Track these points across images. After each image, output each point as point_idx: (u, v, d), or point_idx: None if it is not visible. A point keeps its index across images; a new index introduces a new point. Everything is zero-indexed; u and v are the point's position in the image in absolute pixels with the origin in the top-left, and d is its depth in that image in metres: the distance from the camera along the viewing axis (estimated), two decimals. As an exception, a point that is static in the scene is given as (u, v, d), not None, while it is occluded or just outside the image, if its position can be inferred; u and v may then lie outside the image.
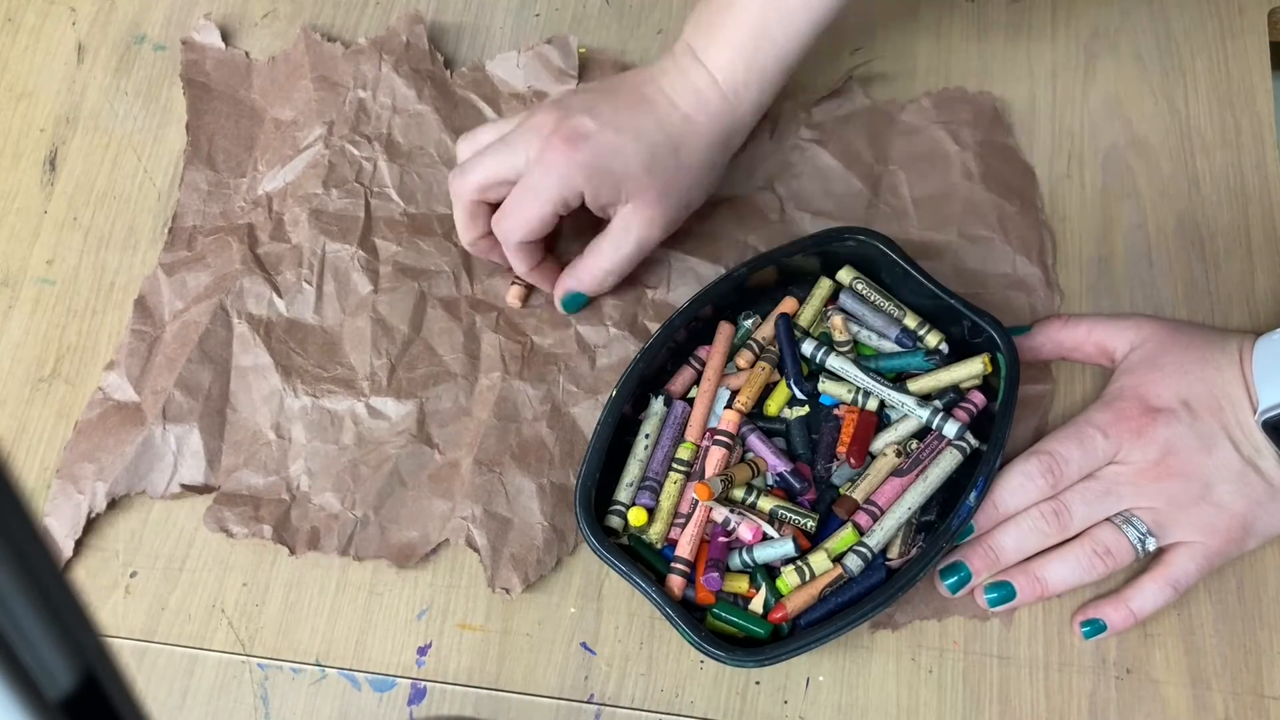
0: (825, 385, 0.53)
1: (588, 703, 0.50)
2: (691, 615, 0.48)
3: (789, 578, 0.49)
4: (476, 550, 0.52)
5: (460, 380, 0.56)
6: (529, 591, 0.52)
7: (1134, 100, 0.62)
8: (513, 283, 0.57)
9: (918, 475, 0.50)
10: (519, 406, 0.55)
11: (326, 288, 0.58)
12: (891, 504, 0.50)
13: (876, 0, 0.65)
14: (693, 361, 0.54)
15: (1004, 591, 0.50)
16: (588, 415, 0.55)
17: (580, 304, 0.56)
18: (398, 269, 0.58)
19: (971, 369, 0.52)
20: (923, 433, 0.52)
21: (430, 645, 0.51)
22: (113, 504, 0.53)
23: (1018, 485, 0.50)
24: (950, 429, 0.50)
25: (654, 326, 0.56)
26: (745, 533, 0.49)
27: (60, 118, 0.63)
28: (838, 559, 0.49)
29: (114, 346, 0.57)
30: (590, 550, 0.49)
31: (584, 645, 0.51)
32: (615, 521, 0.50)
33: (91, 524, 0.53)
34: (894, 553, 0.50)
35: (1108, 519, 0.50)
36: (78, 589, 0.19)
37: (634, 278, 0.57)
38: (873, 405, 0.52)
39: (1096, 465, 0.51)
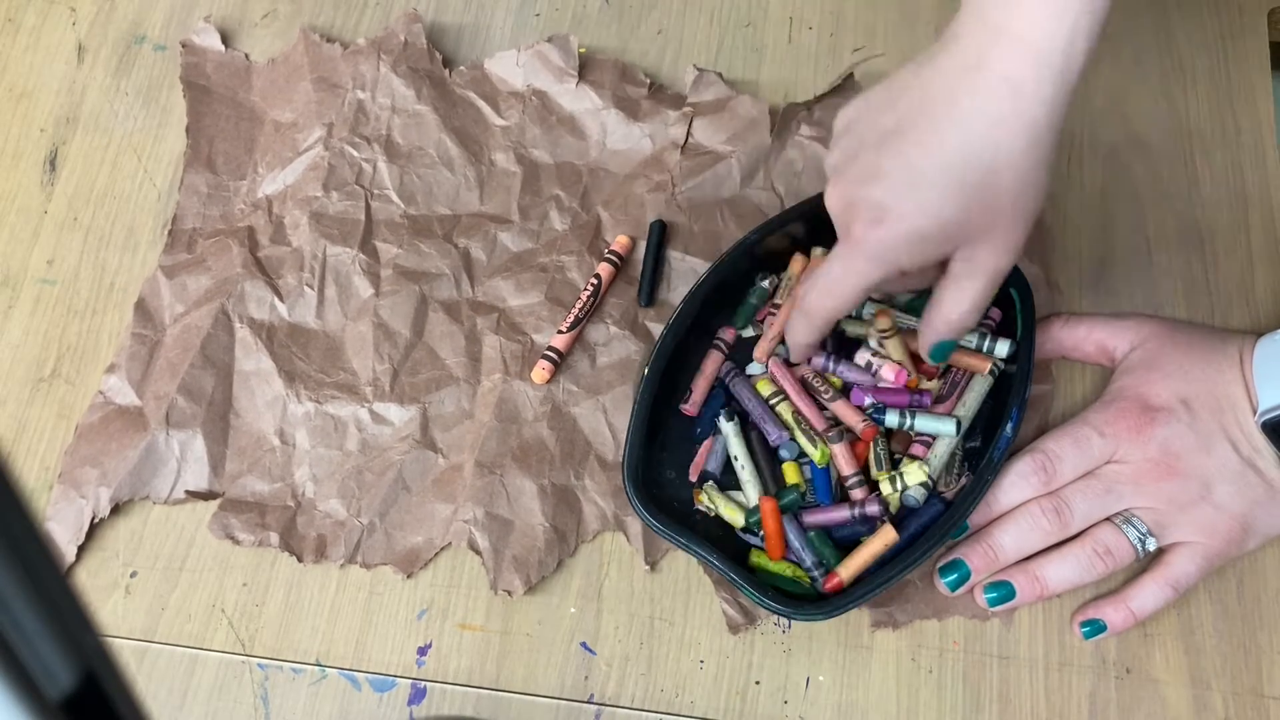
0: (848, 325, 0.54)
1: (588, 703, 0.50)
2: (753, 575, 0.48)
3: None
4: (479, 553, 0.52)
5: (462, 384, 0.56)
6: (529, 592, 0.52)
7: (1134, 100, 0.62)
8: (543, 355, 0.55)
9: (957, 400, 0.52)
10: (519, 407, 0.55)
11: (328, 291, 0.58)
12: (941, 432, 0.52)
13: None
14: (718, 343, 0.55)
15: (1004, 591, 0.50)
16: (588, 415, 0.55)
17: (948, 350, 0.49)
18: (398, 272, 0.58)
19: None
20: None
21: (430, 645, 0.51)
22: (114, 507, 0.53)
23: (1011, 483, 0.50)
24: (1002, 349, 0.52)
25: (655, 326, 0.56)
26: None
27: (60, 118, 0.63)
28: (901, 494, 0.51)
29: (114, 347, 0.57)
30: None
31: (584, 645, 0.51)
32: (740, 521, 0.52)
33: (93, 525, 0.53)
34: (941, 485, 0.51)
35: (1108, 519, 0.50)
36: (78, 589, 0.19)
37: (634, 278, 0.58)
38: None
39: (1093, 464, 0.51)
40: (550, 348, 0.55)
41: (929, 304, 0.47)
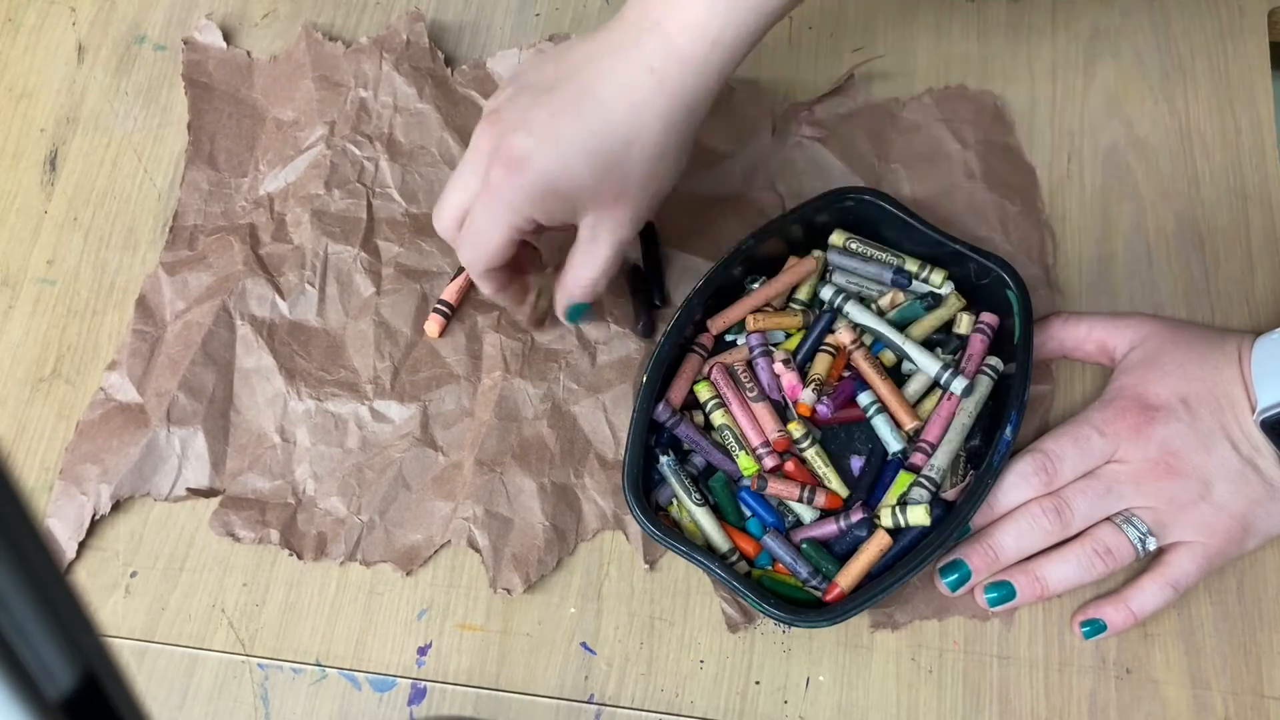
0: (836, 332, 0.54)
1: (588, 703, 0.50)
2: (757, 584, 0.48)
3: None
4: (478, 551, 0.52)
5: (463, 382, 0.56)
6: (529, 591, 0.52)
7: (1134, 100, 0.62)
8: (433, 310, 0.56)
9: (957, 404, 0.52)
10: (519, 406, 0.55)
11: (329, 290, 0.58)
12: (940, 437, 0.51)
13: None
14: (696, 348, 0.55)
15: (1004, 591, 0.50)
16: (588, 414, 0.55)
17: (581, 312, 0.52)
18: (400, 270, 0.58)
19: (950, 307, 0.54)
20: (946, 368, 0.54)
21: (430, 645, 0.51)
22: (115, 505, 0.53)
23: (1011, 483, 0.50)
24: (958, 385, 0.51)
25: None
26: (787, 380, 0.52)
27: (60, 118, 0.63)
28: (902, 501, 0.50)
29: (114, 346, 0.57)
30: (632, 535, 0.49)
31: (584, 645, 0.51)
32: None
33: (93, 524, 0.53)
34: (946, 484, 0.51)
35: (1108, 518, 0.50)
36: (78, 589, 0.19)
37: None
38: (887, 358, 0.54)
39: (1094, 464, 0.51)
40: (441, 300, 0.57)
41: (565, 269, 0.51)
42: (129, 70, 0.65)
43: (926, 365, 0.52)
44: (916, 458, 0.51)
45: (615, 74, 0.46)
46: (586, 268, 0.50)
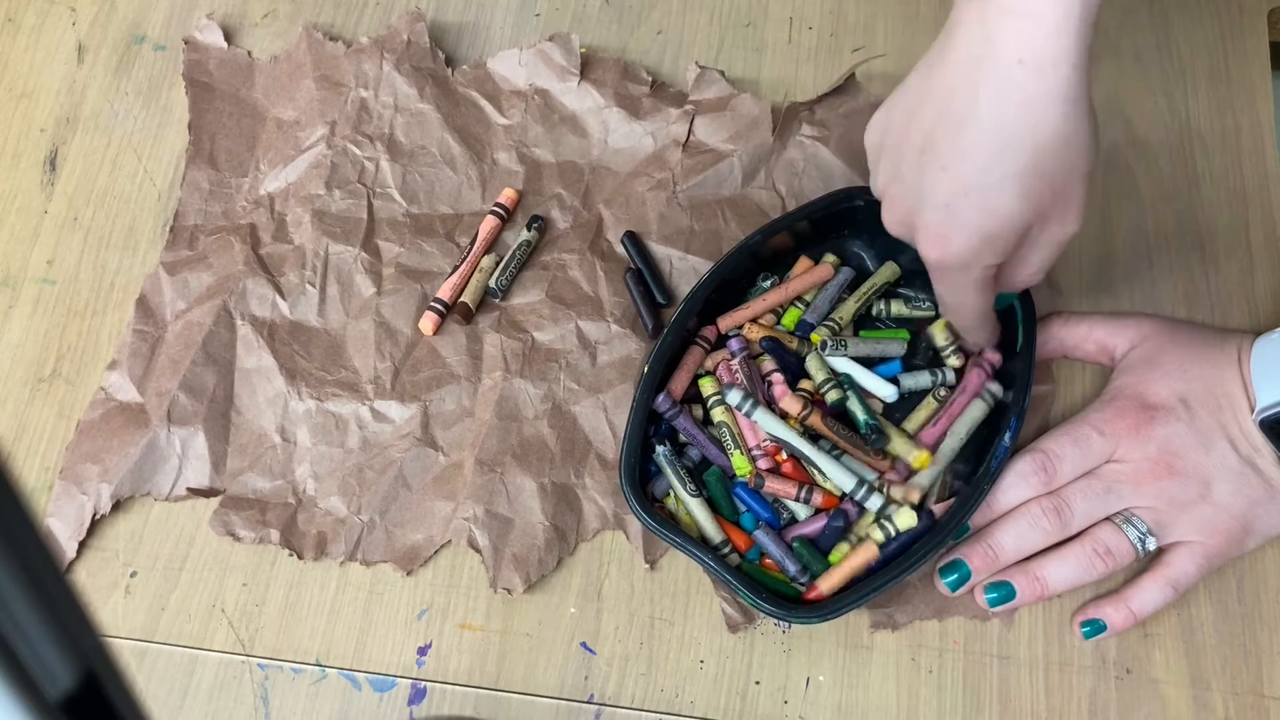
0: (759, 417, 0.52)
1: (588, 703, 0.50)
2: (751, 579, 0.48)
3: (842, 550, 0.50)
4: (479, 551, 0.52)
5: (463, 382, 0.56)
6: (529, 591, 0.52)
7: (1134, 100, 0.62)
8: (429, 307, 0.57)
9: (948, 424, 0.52)
10: (520, 406, 0.55)
11: (330, 290, 0.58)
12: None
13: None
14: (699, 341, 0.55)
15: (1004, 591, 0.50)
16: (588, 414, 0.55)
17: (1008, 300, 0.52)
18: (400, 270, 0.58)
19: (912, 454, 0.51)
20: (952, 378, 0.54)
21: (430, 645, 0.51)
22: (115, 505, 0.53)
23: (1011, 483, 0.50)
24: (873, 503, 0.50)
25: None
26: (791, 405, 0.51)
27: (60, 118, 0.63)
28: (884, 515, 0.50)
29: (115, 346, 0.57)
30: (622, 530, 0.49)
31: (584, 645, 0.51)
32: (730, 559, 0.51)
33: (93, 524, 0.53)
34: (933, 499, 0.51)
35: (1108, 518, 0.50)
36: (78, 589, 0.19)
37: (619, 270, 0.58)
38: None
39: (1093, 463, 0.51)
40: (437, 298, 0.57)
41: (1010, 267, 0.47)
42: (129, 70, 0.65)
43: (842, 481, 0.50)
44: (893, 475, 0.51)
45: (984, 89, 0.40)
46: (1033, 264, 0.46)
